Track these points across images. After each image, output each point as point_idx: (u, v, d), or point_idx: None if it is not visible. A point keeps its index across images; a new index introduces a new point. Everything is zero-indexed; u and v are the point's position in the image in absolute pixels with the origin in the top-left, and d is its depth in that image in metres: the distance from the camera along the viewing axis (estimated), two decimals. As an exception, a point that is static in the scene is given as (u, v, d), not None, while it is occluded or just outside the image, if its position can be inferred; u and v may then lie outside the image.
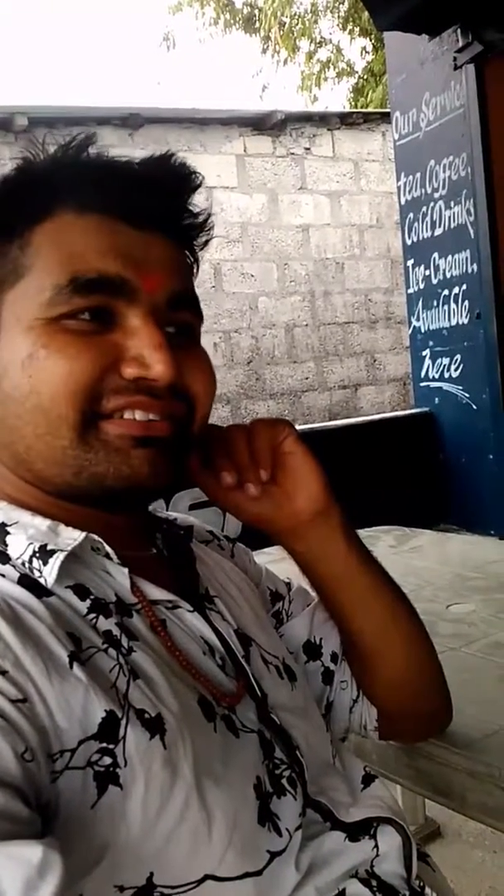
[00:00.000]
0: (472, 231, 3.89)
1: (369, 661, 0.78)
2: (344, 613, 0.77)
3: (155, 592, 0.61)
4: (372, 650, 0.78)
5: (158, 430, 0.59)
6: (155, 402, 0.58)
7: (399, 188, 4.40)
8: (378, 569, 0.77)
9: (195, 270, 0.68)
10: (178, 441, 0.61)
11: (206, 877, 0.51)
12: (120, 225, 0.59)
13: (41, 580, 0.55)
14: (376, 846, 0.65)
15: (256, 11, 10.78)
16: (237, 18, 10.88)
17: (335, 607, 0.77)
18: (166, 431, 0.59)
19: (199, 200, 0.67)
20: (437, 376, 4.28)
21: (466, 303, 4.00)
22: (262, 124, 6.24)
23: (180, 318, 0.63)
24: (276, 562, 0.86)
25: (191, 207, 0.65)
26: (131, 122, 5.66)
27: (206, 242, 0.68)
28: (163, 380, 0.57)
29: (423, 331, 4.34)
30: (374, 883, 0.62)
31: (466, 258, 3.95)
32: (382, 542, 1.82)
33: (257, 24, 10.83)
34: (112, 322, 0.58)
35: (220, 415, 6.06)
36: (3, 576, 0.55)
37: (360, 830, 0.65)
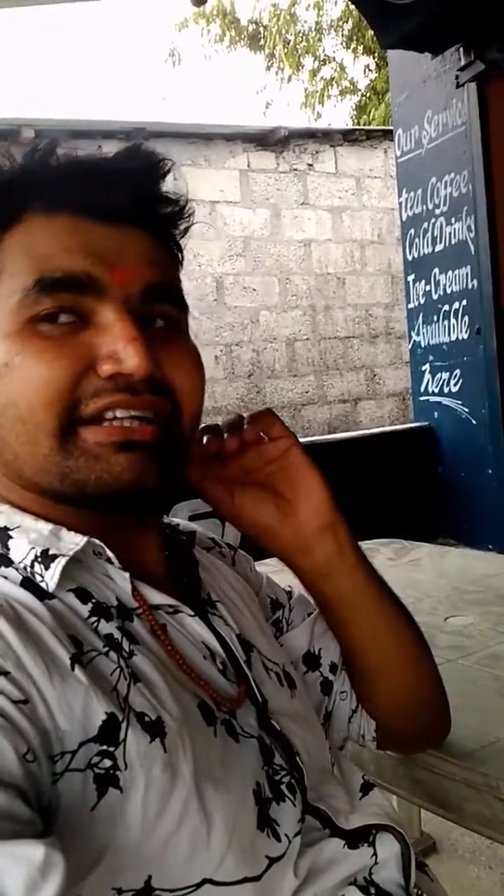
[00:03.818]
0: (472, 247, 3.91)
1: (371, 679, 0.78)
2: (348, 631, 0.76)
3: (156, 597, 0.61)
4: (374, 668, 0.77)
5: (141, 434, 0.57)
6: (135, 399, 0.57)
7: (401, 204, 4.43)
8: (384, 587, 0.76)
9: (181, 259, 0.67)
10: (165, 443, 0.59)
11: (205, 881, 0.51)
12: (88, 222, 0.58)
13: (42, 585, 0.55)
14: (375, 854, 0.64)
15: (261, 29, 10.89)
16: (242, 36, 10.99)
17: (339, 625, 0.77)
18: (150, 435, 0.58)
19: (175, 187, 0.65)
20: (436, 391, 4.29)
21: (466, 318, 4.01)
22: (265, 140, 6.28)
23: (160, 311, 0.61)
24: (276, 572, 0.86)
25: (164, 196, 0.64)
26: (136, 136, 5.70)
27: (187, 230, 0.67)
28: (138, 373, 0.56)
29: (423, 345, 4.36)
30: (372, 890, 0.62)
31: (467, 274, 3.97)
32: (381, 554, 1.83)
33: (262, 42, 10.93)
34: (87, 321, 0.57)
35: (219, 427, 6.06)
36: (6, 578, 0.55)
37: (358, 838, 0.64)
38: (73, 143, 0.63)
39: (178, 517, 0.77)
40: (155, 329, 0.60)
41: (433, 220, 4.17)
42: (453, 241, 4.05)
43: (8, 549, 0.57)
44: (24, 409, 0.55)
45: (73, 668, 0.51)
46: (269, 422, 0.71)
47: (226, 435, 0.71)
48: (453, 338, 4.12)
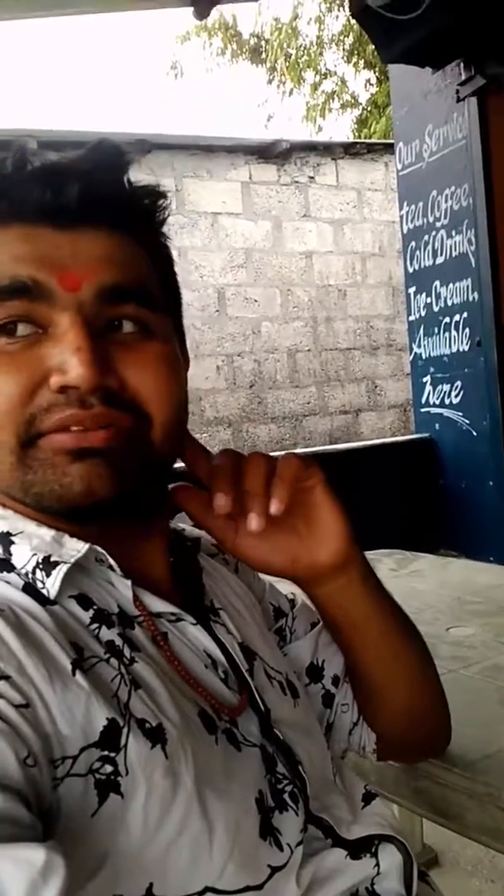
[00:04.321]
0: (473, 260, 3.92)
1: (374, 696, 0.78)
2: (353, 652, 0.76)
3: (158, 605, 0.60)
4: (378, 687, 0.77)
5: (94, 440, 0.55)
6: (85, 414, 0.54)
7: (402, 217, 4.45)
8: (392, 609, 0.76)
9: (161, 254, 0.64)
10: (127, 452, 0.56)
11: (207, 889, 0.50)
12: (41, 229, 0.56)
13: (44, 591, 0.55)
14: (377, 864, 0.64)
15: (263, 43, 10.98)
16: (244, 49, 11.08)
17: (344, 644, 0.77)
18: (104, 441, 0.55)
19: (146, 181, 0.62)
20: (437, 402, 4.29)
21: (467, 330, 4.02)
22: (267, 152, 6.32)
23: (123, 313, 0.58)
24: (278, 581, 0.86)
25: (125, 190, 0.61)
26: (138, 147, 5.74)
27: (162, 223, 0.64)
28: (82, 384, 0.53)
29: (424, 357, 4.36)
30: None
31: (467, 286, 3.98)
32: (383, 565, 1.82)
33: (264, 55, 11.03)
34: (46, 331, 0.55)
35: (221, 437, 6.07)
36: (8, 583, 0.55)
37: (361, 848, 0.64)
38: (56, 153, 0.61)
39: (184, 525, 0.76)
40: (118, 335, 0.57)
41: (434, 233, 4.18)
42: (454, 254, 4.06)
43: (10, 555, 0.56)
44: None
45: (74, 674, 0.51)
46: (296, 469, 0.65)
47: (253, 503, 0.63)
48: (454, 350, 4.13)
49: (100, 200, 0.58)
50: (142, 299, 0.58)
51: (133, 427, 0.57)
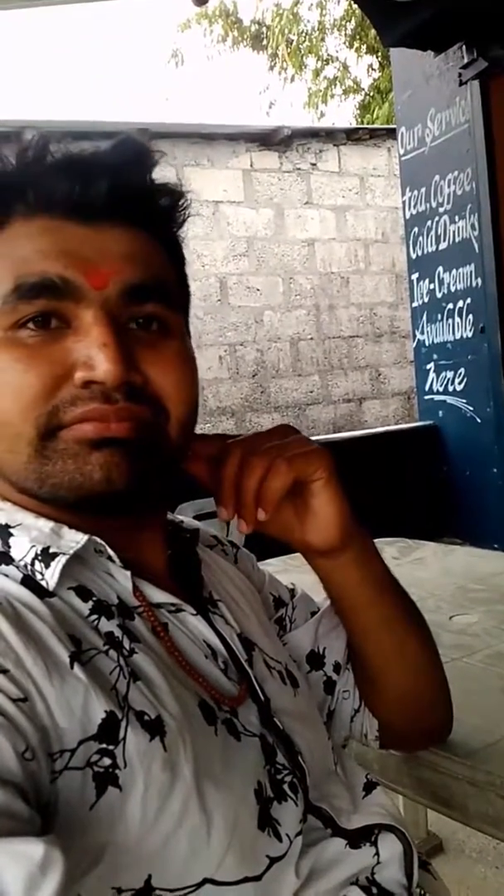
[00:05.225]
0: (476, 245, 3.90)
1: (375, 681, 0.78)
2: (354, 635, 0.77)
3: (157, 595, 0.61)
4: (378, 673, 0.77)
5: (116, 431, 0.55)
6: (109, 409, 0.55)
7: (404, 203, 4.42)
8: (396, 596, 0.76)
9: (177, 253, 0.66)
10: (146, 444, 0.57)
11: (205, 880, 0.50)
12: (68, 223, 0.57)
13: (43, 583, 0.55)
14: (377, 853, 0.64)
15: (264, 29, 10.89)
16: (245, 36, 10.98)
17: (346, 625, 0.77)
18: (126, 431, 0.56)
19: (167, 178, 0.63)
20: (441, 390, 4.28)
21: (471, 316, 4.01)
22: (268, 140, 6.28)
23: (145, 311, 0.59)
24: (278, 573, 0.86)
25: (150, 189, 0.62)
26: (139, 137, 5.69)
27: (183, 222, 0.65)
28: (109, 380, 0.54)
29: (427, 344, 4.35)
30: (374, 890, 0.62)
31: (471, 272, 3.96)
32: (386, 553, 1.80)
33: (265, 42, 10.93)
34: (68, 326, 0.56)
35: (224, 427, 6.06)
36: (7, 576, 0.55)
37: (361, 837, 0.64)
38: (76, 144, 0.61)
39: (183, 517, 0.77)
40: (140, 331, 0.59)
41: (437, 219, 4.16)
42: (457, 240, 4.04)
43: (9, 547, 0.56)
44: (3, 417, 0.55)
45: (72, 667, 0.51)
46: (285, 478, 0.65)
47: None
48: (457, 336, 4.11)
49: (126, 197, 0.59)
50: (162, 298, 0.60)
51: (152, 420, 0.58)
